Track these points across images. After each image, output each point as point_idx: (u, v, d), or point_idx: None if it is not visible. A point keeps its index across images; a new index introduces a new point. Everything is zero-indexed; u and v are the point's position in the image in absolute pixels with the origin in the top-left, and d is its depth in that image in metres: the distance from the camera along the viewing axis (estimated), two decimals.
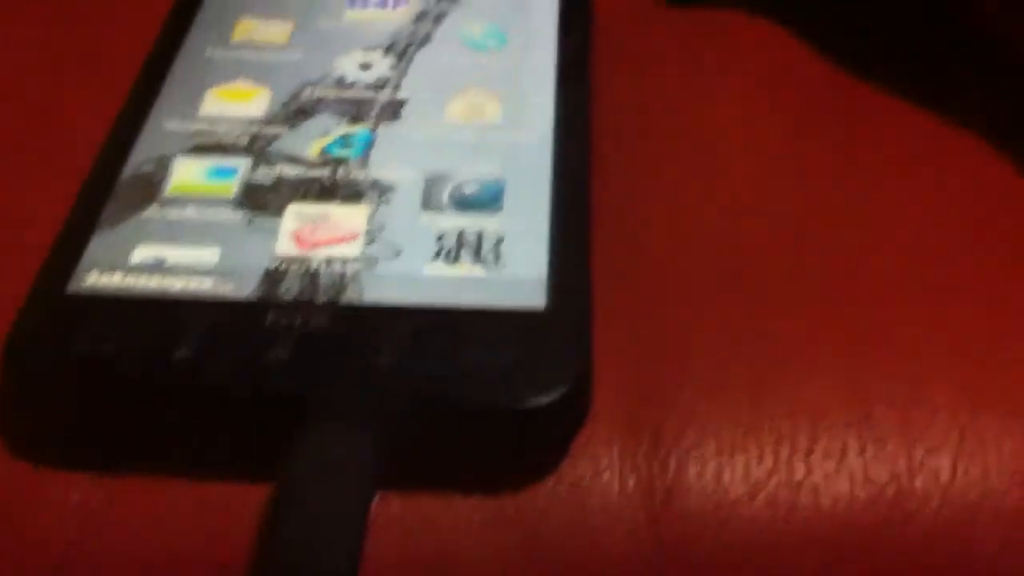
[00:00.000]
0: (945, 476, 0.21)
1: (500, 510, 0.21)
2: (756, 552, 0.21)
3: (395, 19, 0.28)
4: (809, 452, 0.21)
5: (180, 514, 0.21)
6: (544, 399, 0.20)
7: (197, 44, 0.27)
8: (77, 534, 0.20)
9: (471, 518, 0.21)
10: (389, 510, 0.21)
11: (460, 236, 0.23)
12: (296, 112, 0.26)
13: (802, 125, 0.27)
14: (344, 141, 0.25)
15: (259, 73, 0.27)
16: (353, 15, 0.28)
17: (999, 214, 0.25)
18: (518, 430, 0.20)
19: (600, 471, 0.21)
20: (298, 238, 0.23)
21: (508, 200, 0.24)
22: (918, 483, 0.21)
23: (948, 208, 0.25)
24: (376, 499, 0.20)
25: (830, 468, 0.21)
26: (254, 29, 0.28)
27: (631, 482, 0.21)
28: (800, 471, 0.21)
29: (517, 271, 0.22)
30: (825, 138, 0.27)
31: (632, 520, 0.21)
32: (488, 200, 0.24)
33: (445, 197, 0.24)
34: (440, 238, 0.23)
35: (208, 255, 0.22)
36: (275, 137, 0.25)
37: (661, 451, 0.21)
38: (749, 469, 0.21)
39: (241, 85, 0.26)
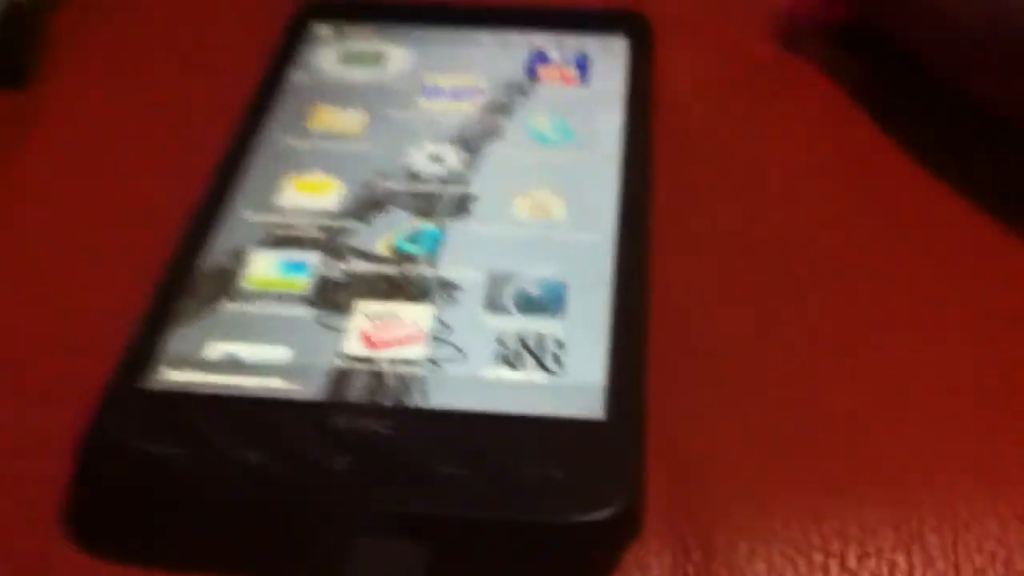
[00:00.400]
0: None
1: None
2: None
3: (467, 111, 0.29)
4: (857, 572, 0.22)
5: None
6: (598, 515, 0.20)
7: (274, 133, 0.28)
8: None
9: None
10: None
11: (522, 340, 0.23)
12: (368, 205, 0.26)
13: (863, 229, 0.28)
14: (413, 237, 0.26)
15: (333, 164, 0.27)
16: (427, 105, 0.29)
17: None
18: (574, 544, 0.21)
19: None
20: (366, 338, 0.23)
21: (570, 303, 0.24)
22: None
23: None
24: None
25: None
26: (330, 118, 0.29)
27: None
28: None
29: (577, 378, 0.23)
30: (880, 239, 0.27)
31: None
32: (550, 303, 0.24)
33: (509, 298, 0.24)
34: (503, 341, 0.23)
35: (278, 353, 0.23)
36: (347, 231, 0.26)
37: (712, 565, 0.22)
38: None
39: (316, 176, 0.27)
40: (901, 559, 0.22)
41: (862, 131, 0.30)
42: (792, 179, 0.29)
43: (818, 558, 0.22)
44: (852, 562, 0.22)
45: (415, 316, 0.24)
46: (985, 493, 0.23)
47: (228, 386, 0.22)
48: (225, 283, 0.24)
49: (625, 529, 0.21)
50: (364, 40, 0.31)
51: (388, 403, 0.22)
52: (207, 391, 0.22)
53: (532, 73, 0.30)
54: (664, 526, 0.22)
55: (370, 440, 0.21)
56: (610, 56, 0.30)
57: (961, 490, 0.23)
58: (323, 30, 0.31)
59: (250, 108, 0.29)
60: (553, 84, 0.29)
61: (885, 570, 0.22)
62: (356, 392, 0.22)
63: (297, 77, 0.30)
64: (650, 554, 0.22)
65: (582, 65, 0.30)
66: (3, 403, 0.24)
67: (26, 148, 0.30)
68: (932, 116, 0.30)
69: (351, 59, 0.30)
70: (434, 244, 0.25)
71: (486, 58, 0.30)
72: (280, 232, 0.26)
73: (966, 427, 0.24)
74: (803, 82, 0.32)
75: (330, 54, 0.31)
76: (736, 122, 0.30)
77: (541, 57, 0.30)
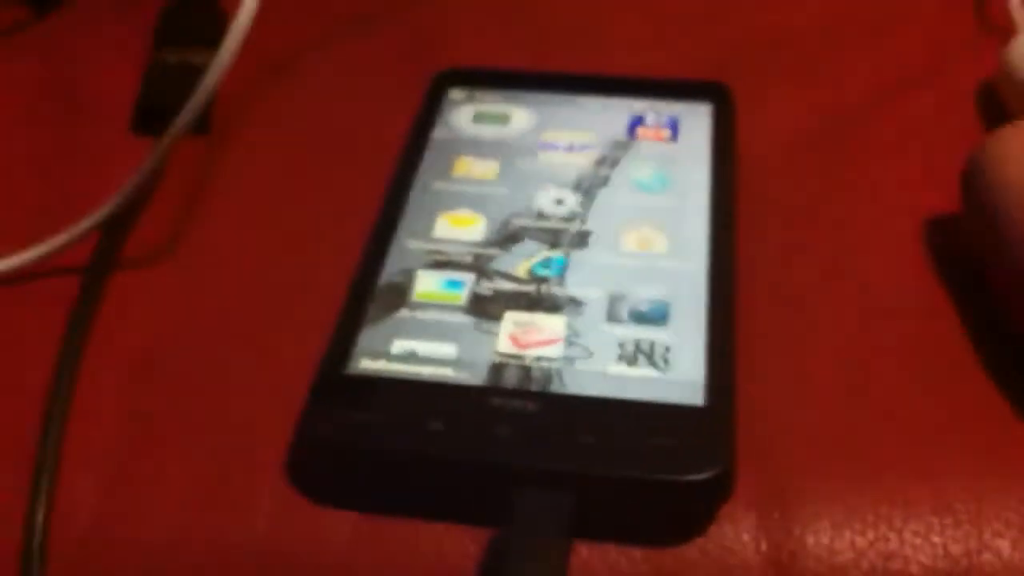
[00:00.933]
0: (1006, 554, 0.27)
1: (662, 561, 0.27)
2: None
3: (579, 162, 0.35)
4: (901, 530, 0.27)
5: (423, 545, 0.27)
6: (703, 475, 0.26)
7: (426, 179, 0.34)
8: (347, 556, 0.27)
9: (641, 566, 0.27)
10: (579, 555, 0.27)
11: (637, 344, 0.29)
12: (506, 238, 0.32)
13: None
14: (545, 263, 0.32)
15: (476, 203, 0.34)
16: (545, 157, 0.35)
17: None
18: (681, 499, 0.27)
19: (740, 534, 0.27)
20: (514, 340, 0.29)
21: (673, 317, 0.30)
22: (985, 557, 0.27)
23: None
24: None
25: (917, 543, 0.27)
26: (468, 166, 0.35)
27: (764, 545, 0.27)
28: (894, 543, 0.27)
29: (682, 374, 0.29)
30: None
31: (764, 575, 0.27)
32: (658, 316, 0.30)
33: (624, 312, 0.30)
34: (621, 345, 0.29)
35: (447, 350, 0.29)
36: (491, 257, 0.32)
37: (788, 522, 0.27)
38: (854, 541, 0.27)
39: (463, 213, 0.33)
40: (935, 520, 0.28)
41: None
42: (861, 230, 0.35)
43: (869, 518, 0.28)
44: (898, 522, 0.28)
45: (552, 324, 0.30)
46: (1005, 470, 0.28)
47: (410, 373, 0.29)
48: (401, 296, 0.31)
49: (721, 489, 0.27)
50: (492, 103, 0.37)
51: (534, 389, 0.28)
52: (395, 376, 0.29)
53: (632, 133, 0.36)
54: (751, 492, 0.28)
55: (523, 416, 0.27)
56: (697, 119, 0.36)
57: (985, 468, 0.28)
58: (457, 94, 0.37)
59: (403, 160, 0.35)
60: (650, 142, 0.36)
61: (922, 528, 0.27)
62: (509, 381, 0.28)
63: (439, 134, 0.36)
64: (739, 513, 0.28)
65: (673, 127, 0.36)
66: (236, 389, 0.30)
67: (216, 188, 0.36)
68: None
69: (482, 118, 0.37)
70: (561, 269, 0.31)
71: (594, 119, 0.36)
72: (439, 257, 0.32)
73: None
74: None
75: (465, 114, 0.37)
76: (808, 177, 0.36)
77: (640, 120, 0.36)
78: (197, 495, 0.28)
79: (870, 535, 0.27)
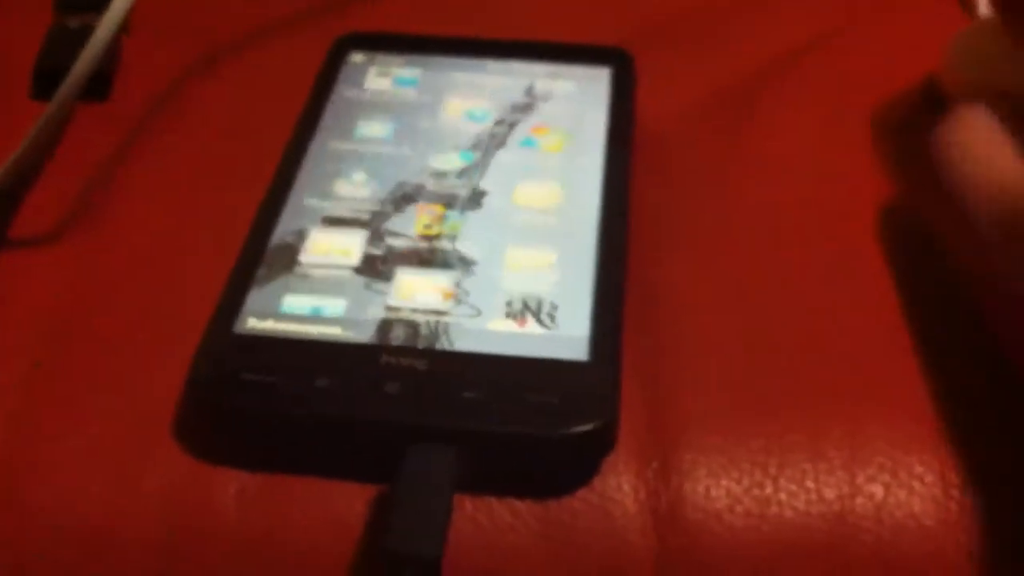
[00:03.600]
0: (879, 498, 0.27)
1: (546, 511, 0.27)
2: (735, 550, 0.26)
3: (477, 124, 0.34)
4: (776, 477, 0.27)
5: (311, 502, 0.27)
6: (585, 428, 0.26)
7: (324, 138, 0.33)
8: (235, 514, 0.27)
9: (526, 517, 0.27)
10: (464, 509, 0.27)
11: (524, 302, 0.29)
12: (401, 198, 0.32)
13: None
14: (437, 222, 0.31)
15: (372, 164, 0.33)
16: (444, 119, 0.34)
17: None
18: (564, 451, 0.26)
19: (621, 485, 0.27)
20: (403, 297, 0.29)
21: (561, 274, 0.29)
22: (858, 501, 0.27)
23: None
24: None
25: (792, 489, 0.27)
26: (368, 127, 0.34)
27: (643, 494, 0.27)
28: (769, 489, 0.27)
29: (567, 331, 0.28)
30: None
31: (643, 523, 0.27)
32: (545, 274, 0.29)
33: (513, 269, 0.30)
34: (509, 303, 0.29)
35: (337, 308, 0.28)
36: (385, 216, 0.31)
37: (666, 472, 0.27)
38: (730, 488, 0.27)
39: (358, 174, 0.32)
40: (809, 467, 0.27)
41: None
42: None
43: (745, 466, 0.27)
44: (773, 470, 0.27)
45: (442, 282, 0.29)
46: (878, 419, 0.28)
47: (299, 332, 0.28)
48: (292, 255, 0.30)
49: (604, 441, 0.27)
50: (392, 66, 0.36)
51: (422, 346, 0.28)
52: (284, 336, 0.28)
53: (530, 95, 0.35)
54: (631, 444, 0.28)
55: (412, 373, 0.27)
56: (596, 83, 0.35)
57: (860, 413, 0.28)
58: (358, 57, 0.37)
59: (302, 121, 0.34)
60: (547, 104, 0.35)
61: (797, 475, 0.27)
62: (397, 338, 0.28)
63: (338, 95, 0.35)
64: (620, 464, 0.27)
65: (572, 90, 0.35)
66: (129, 350, 0.29)
67: (114, 154, 0.35)
68: None
69: (382, 81, 0.36)
70: (454, 228, 0.31)
71: (493, 82, 0.36)
72: (332, 217, 0.31)
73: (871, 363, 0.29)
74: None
75: (365, 77, 0.36)
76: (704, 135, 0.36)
77: (537, 83, 0.36)
78: (89, 456, 0.27)
79: (745, 482, 0.27)
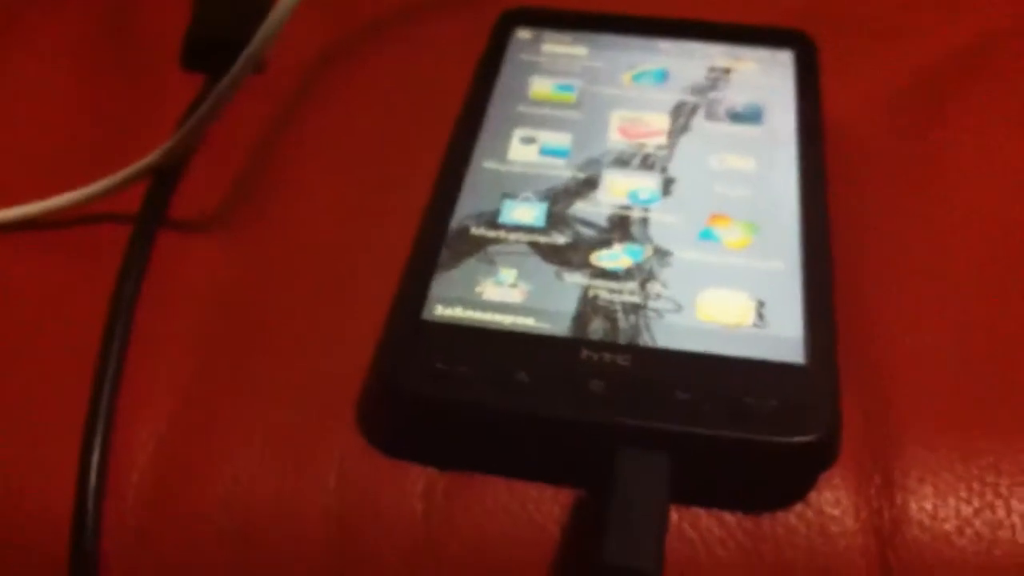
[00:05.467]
0: None
1: (758, 526, 0.24)
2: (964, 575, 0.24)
3: (660, 98, 0.31)
4: (1008, 499, 0.24)
5: (502, 505, 0.24)
6: (809, 438, 0.23)
7: (499, 111, 0.31)
8: (422, 515, 0.24)
9: (735, 531, 0.24)
10: (669, 519, 0.24)
11: (729, 297, 0.26)
12: (586, 180, 0.29)
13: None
14: (631, 203, 0.28)
15: (558, 128, 0.30)
16: (621, 93, 0.32)
17: None
18: (785, 461, 0.24)
19: (839, 500, 0.24)
20: (597, 288, 0.26)
21: (766, 270, 0.27)
22: None
23: None
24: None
25: None
26: (545, 98, 0.32)
27: (864, 512, 0.24)
28: (1001, 512, 0.24)
29: (777, 330, 0.25)
30: None
31: (865, 542, 0.24)
32: (750, 268, 0.27)
33: (715, 262, 0.27)
34: (713, 297, 0.26)
35: (527, 296, 0.26)
36: (574, 196, 0.28)
37: (889, 489, 0.24)
38: (959, 508, 0.24)
39: (544, 137, 0.30)
40: None
41: None
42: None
43: (975, 486, 0.25)
44: (1004, 490, 0.25)
45: (638, 273, 0.27)
46: None
47: (491, 322, 0.25)
48: (476, 238, 0.27)
49: (827, 453, 0.24)
50: (560, 43, 0.34)
51: (624, 341, 0.25)
52: (475, 324, 0.25)
53: (712, 77, 0.32)
54: (850, 458, 0.25)
55: (616, 370, 0.24)
56: (781, 66, 0.33)
57: None
58: (524, 33, 0.34)
59: (474, 92, 0.32)
60: (732, 86, 0.32)
61: None
62: (596, 332, 0.25)
63: (505, 76, 0.32)
64: (839, 479, 0.25)
65: (756, 71, 0.33)
66: (302, 337, 0.27)
67: (278, 126, 0.33)
68: None
69: (552, 59, 0.33)
70: (650, 203, 0.28)
71: (672, 63, 0.33)
72: (517, 193, 0.28)
73: None
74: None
75: (532, 55, 0.33)
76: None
77: (718, 63, 0.33)
78: (262, 447, 0.25)
79: (976, 503, 0.24)
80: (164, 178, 0.30)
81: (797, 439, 0.23)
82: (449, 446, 0.25)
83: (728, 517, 0.24)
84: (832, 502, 0.24)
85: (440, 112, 0.32)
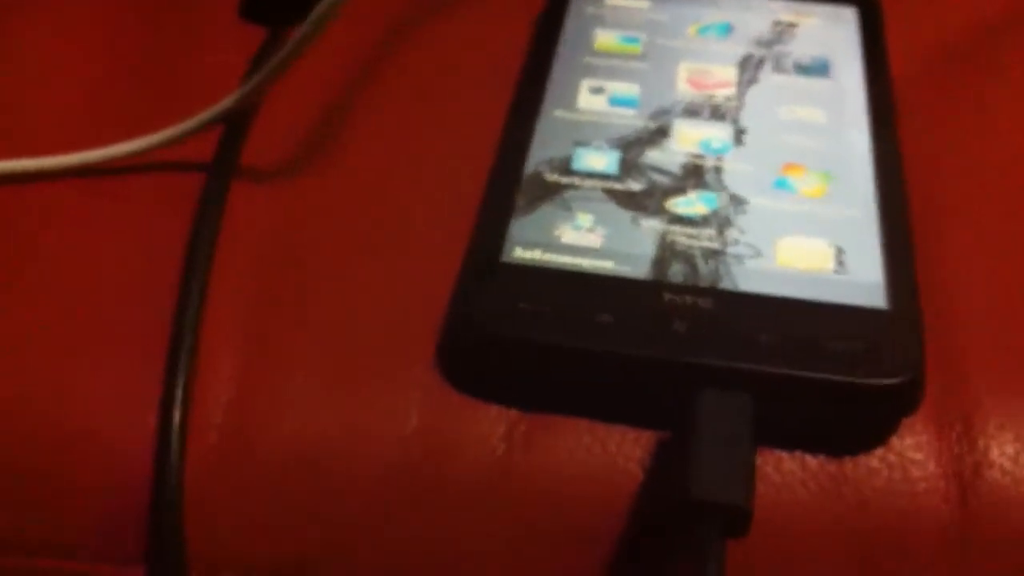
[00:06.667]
0: None
1: (840, 469, 0.24)
2: None
3: (726, 50, 0.31)
4: None
5: (583, 446, 0.24)
6: (895, 380, 0.23)
7: (567, 58, 0.31)
8: (502, 456, 0.24)
9: (817, 473, 0.24)
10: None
11: (807, 243, 0.26)
12: (660, 113, 0.29)
13: None
14: (703, 152, 0.28)
15: (626, 79, 0.30)
16: (688, 45, 0.32)
17: None
18: (869, 404, 0.23)
19: (921, 447, 0.24)
20: (674, 233, 0.26)
21: (844, 217, 0.26)
22: None
23: None
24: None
25: None
26: (611, 43, 0.31)
27: (946, 457, 0.24)
28: None
29: (861, 276, 0.25)
30: None
31: (947, 487, 0.24)
32: (827, 213, 0.27)
33: (790, 208, 0.27)
34: (791, 243, 0.26)
35: (607, 241, 0.26)
36: (647, 137, 0.28)
37: (970, 434, 0.24)
38: None
39: (612, 87, 0.30)
40: None
41: None
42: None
43: None
44: None
45: (714, 218, 0.26)
46: None
47: (571, 264, 0.25)
48: (552, 184, 0.27)
49: (911, 397, 0.24)
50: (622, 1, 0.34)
51: (704, 285, 0.25)
52: (555, 267, 0.25)
53: (777, 30, 0.32)
54: (930, 404, 0.24)
55: (698, 312, 0.24)
56: (844, 23, 0.32)
57: None
58: None
59: (538, 40, 0.31)
60: (798, 40, 0.32)
61: None
62: (676, 275, 0.25)
63: (570, 28, 0.32)
64: (920, 425, 0.24)
65: (821, 26, 0.32)
66: (377, 276, 0.27)
67: (344, 76, 0.32)
68: None
69: (616, 14, 0.33)
70: (723, 160, 0.28)
71: (736, 16, 0.33)
72: (589, 141, 0.28)
73: None
74: None
75: (594, 6, 0.33)
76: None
77: (782, 17, 0.33)
78: (339, 385, 0.25)
79: None
80: (236, 126, 0.30)
81: (882, 381, 0.23)
82: (531, 387, 0.24)
83: (810, 460, 0.24)
84: (914, 447, 0.24)
85: (502, 67, 0.32)
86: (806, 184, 0.27)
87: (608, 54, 0.31)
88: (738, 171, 0.28)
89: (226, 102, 0.29)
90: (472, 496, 0.24)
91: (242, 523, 0.24)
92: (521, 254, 0.25)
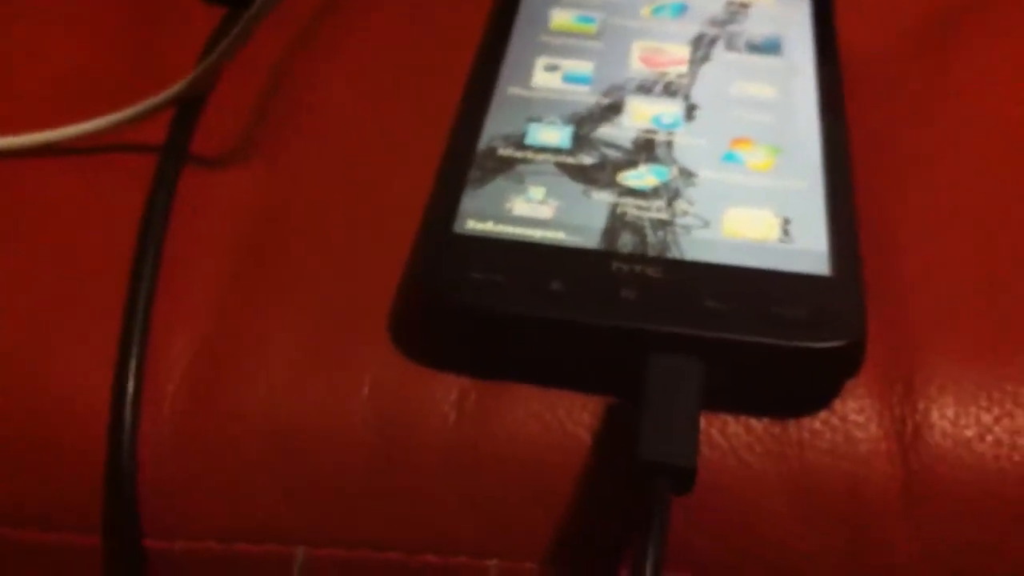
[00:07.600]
0: None
1: (784, 431, 0.24)
2: (985, 480, 0.24)
3: (680, 27, 0.32)
4: None
5: (533, 411, 0.25)
6: (837, 343, 0.24)
7: (523, 35, 0.31)
8: (455, 423, 0.24)
9: (762, 435, 0.24)
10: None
11: (754, 213, 0.26)
12: (613, 89, 0.29)
13: None
14: (654, 127, 0.29)
15: (580, 57, 0.31)
16: (645, 23, 0.32)
17: None
18: (813, 366, 0.24)
19: (863, 409, 0.25)
20: (625, 205, 0.26)
21: (789, 187, 0.27)
22: None
23: None
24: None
25: None
26: (567, 23, 0.32)
27: (887, 419, 0.25)
28: (1021, 420, 0.25)
29: (806, 244, 0.26)
30: None
31: (888, 448, 0.24)
32: (773, 184, 0.27)
33: (739, 180, 0.27)
34: (738, 213, 0.26)
35: (556, 211, 0.26)
36: (599, 112, 0.29)
37: (911, 396, 0.25)
38: (980, 416, 0.25)
39: (566, 65, 0.30)
40: None
41: None
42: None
43: (995, 394, 0.25)
44: None
45: (664, 190, 0.27)
46: None
47: (522, 235, 0.26)
48: (505, 157, 0.28)
49: (853, 359, 0.24)
50: None
51: (653, 254, 0.25)
52: (506, 237, 0.26)
53: (730, 9, 0.33)
54: (873, 367, 0.25)
55: (647, 280, 0.25)
56: (796, 2, 0.33)
57: None
58: None
59: (496, 19, 0.32)
60: (749, 14, 0.32)
61: None
62: (626, 245, 0.25)
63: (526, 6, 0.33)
64: (862, 387, 0.25)
65: (772, 4, 0.33)
66: (333, 250, 0.27)
67: (295, 52, 0.33)
68: None
69: None
70: (672, 133, 0.28)
71: None
72: (542, 116, 0.29)
73: None
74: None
75: None
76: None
77: None
78: (295, 359, 0.25)
79: (996, 411, 0.25)
80: (190, 107, 0.30)
81: (826, 344, 0.24)
82: (483, 355, 0.25)
83: (755, 423, 0.24)
84: (856, 409, 0.25)
85: (458, 44, 0.32)
86: (754, 157, 0.28)
87: (564, 33, 0.32)
88: (688, 145, 0.28)
89: (179, 85, 0.29)
90: (425, 461, 0.24)
91: (198, 491, 0.24)
92: (474, 225, 0.26)
